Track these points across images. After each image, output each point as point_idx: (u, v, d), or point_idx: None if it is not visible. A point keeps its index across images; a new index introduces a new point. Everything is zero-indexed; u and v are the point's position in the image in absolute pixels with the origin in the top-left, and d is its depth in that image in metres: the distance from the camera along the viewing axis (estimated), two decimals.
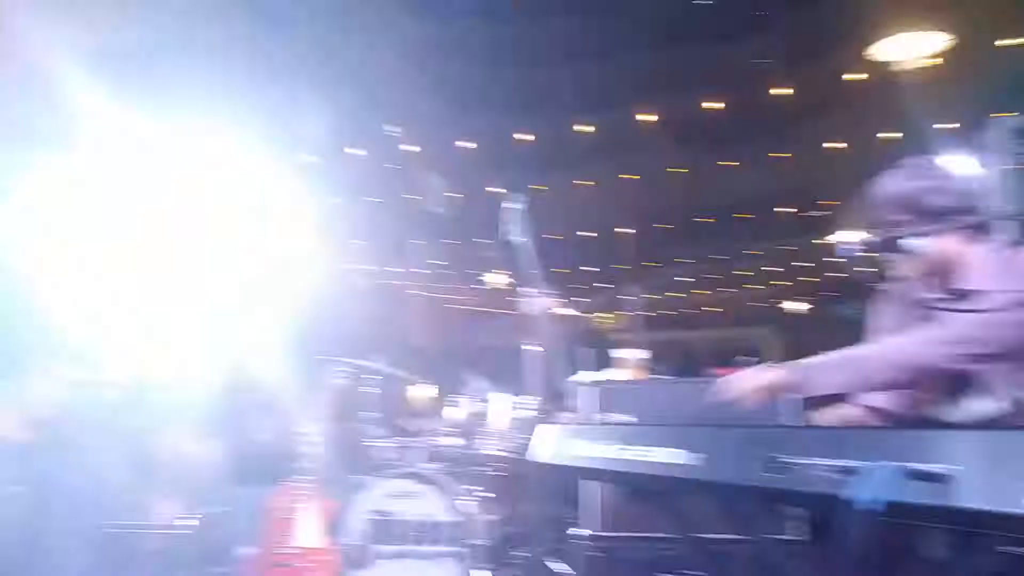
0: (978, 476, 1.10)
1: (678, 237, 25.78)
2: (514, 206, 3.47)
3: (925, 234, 1.89)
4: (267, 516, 3.69)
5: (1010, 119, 5.19)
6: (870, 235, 1.95)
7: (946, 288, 1.98)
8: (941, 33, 6.55)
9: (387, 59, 10.19)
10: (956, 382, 1.84)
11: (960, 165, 2.00)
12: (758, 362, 3.08)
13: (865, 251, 1.90)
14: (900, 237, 1.90)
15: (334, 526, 3.71)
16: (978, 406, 1.66)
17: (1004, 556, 1.17)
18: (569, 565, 3.52)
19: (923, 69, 6.72)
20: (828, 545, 1.26)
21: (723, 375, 3.15)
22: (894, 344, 1.86)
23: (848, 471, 1.22)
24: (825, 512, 1.25)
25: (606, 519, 3.06)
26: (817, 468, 1.29)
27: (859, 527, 1.17)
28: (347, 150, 11.98)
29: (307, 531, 3.58)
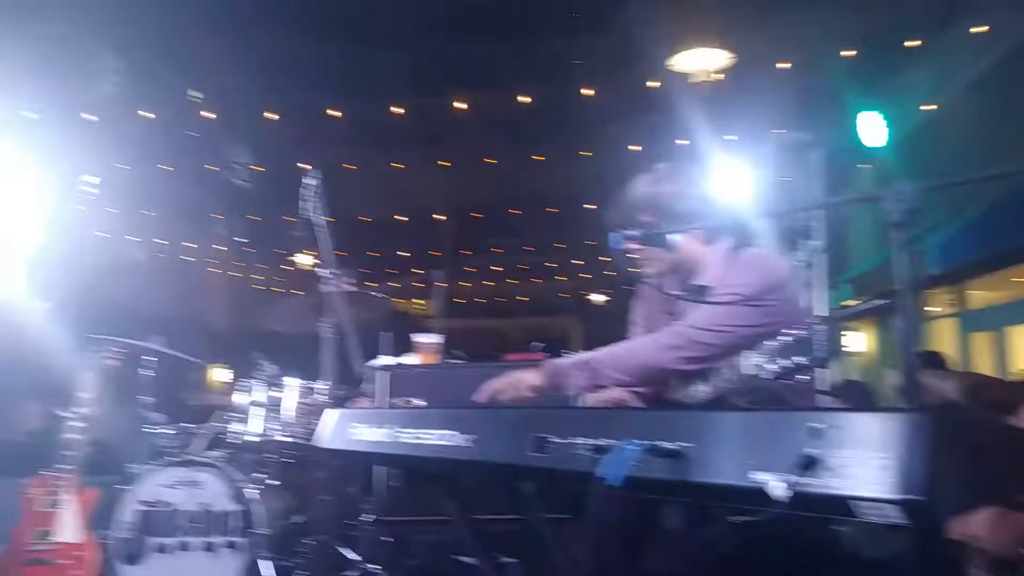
0: (710, 453, 1.19)
1: (491, 227, 26.30)
2: (313, 183, 3.35)
3: (669, 234, 2.05)
4: (21, 510, 3.33)
5: (783, 135, 5.77)
6: (627, 233, 2.06)
7: (685, 284, 2.17)
8: (729, 52, 7.13)
9: (190, 22, 9.50)
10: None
11: (711, 173, 2.19)
12: (544, 348, 3.21)
13: (623, 248, 1.99)
14: (649, 236, 2.03)
15: (101, 519, 3.42)
16: (708, 388, 1.82)
17: (736, 526, 1.29)
18: (358, 551, 3.49)
19: (713, 83, 7.28)
20: (584, 521, 1.32)
21: (515, 360, 3.25)
22: (625, 349, 2.02)
23: (599, 449, 1.29)
24: (583, 489, 1.31)
25: (393, 504, 3.05)
26: (576, 447, 1.35)
27: (608, 502, 1.24)
28: (140, 113, 11.05)
29: (67, 525, 3.27)
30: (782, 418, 1.15)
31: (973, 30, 9.54)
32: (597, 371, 1.95)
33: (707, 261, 2.12)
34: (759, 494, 1.09)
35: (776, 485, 1.07)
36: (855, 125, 5.10)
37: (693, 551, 1.33)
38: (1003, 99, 8.52)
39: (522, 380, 1.99)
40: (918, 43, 11.03)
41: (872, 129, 5.05)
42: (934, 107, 10.38)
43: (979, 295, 9.90)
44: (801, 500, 1.06)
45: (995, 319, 9.38)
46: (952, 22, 10.21)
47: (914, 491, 0.98)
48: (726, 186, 5.04)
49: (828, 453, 1.06)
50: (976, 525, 1.95)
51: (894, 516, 0.99)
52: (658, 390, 2.11)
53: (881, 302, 2.33)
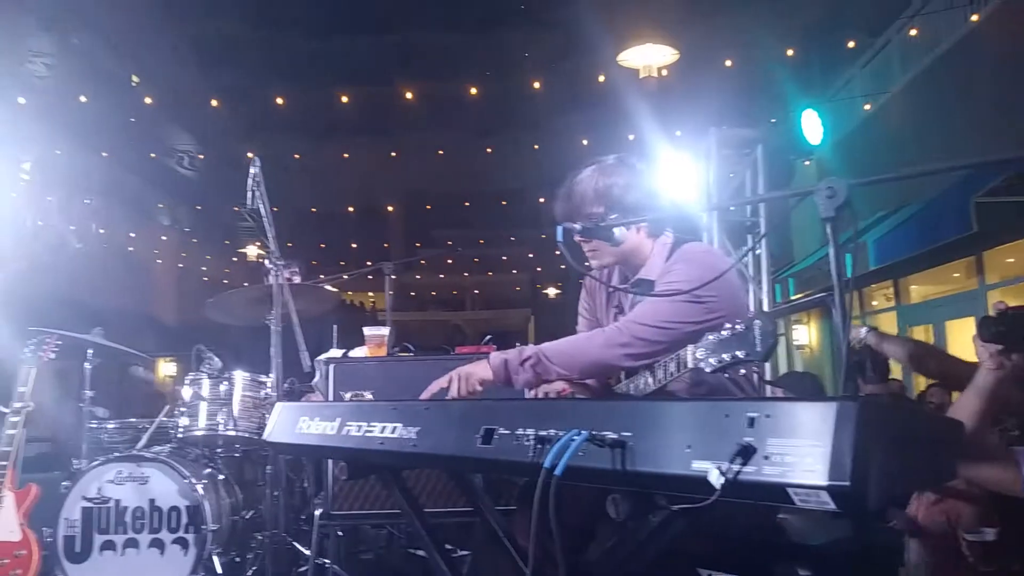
0: (652, 442, 1.23)
1: (442, 218, 26.16)
2: (257, 174, 3.31)
3: (616, 226, 2.07)
4: None
5: (726, 130, 5.89)
6: (571, 227, 2.09)
7: (629, 275, 2.21)
8: (675, 48, 7.23)
9: (130, 5, 9.24)
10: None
11: (658, 167, 2.19)
12: (490, 340, 3.23)
13: (569, 241, 2.01)
14: (596, 229, 2.06)
15: (44, 516, 3.33)
16: (652, 380, 1.87)
17: (679, 513, 1.33)
18: (308, 545, 3.47)
19: (659, 78, 7.39)
20: (530, 510, 1.34)
21: (465, 353, 3.27)
22: (572, 344, 2.06)
23: (544, 440, 1.32)
24: (529, 479, 1.34)
25: (343, 498, 3.05)
26: (521, 439, 1.38)
27: (550, 491, 1.27)
28: (82, 99, 10.70)
29: (6, 523, 3.18)
30: (720, 408, 1.19)
31: (911, 32, 9.85)
32: (545, 366, 1.97)
33: (652, 254, 2.15)
34: (700, 482, 1.13)
35: (715, 473, 1.11)
36: (797, 122, 5.24)
37: (637, 539, 1.37)
38: (938, 99, 8.82)
39: (471, 375, 2.00)
40: (854, 44, 11.35)
41: (812, 126, 5.19)
42: (872, 106, 10.69)
43: (917, 289, 10.25)
44: (739, 487, 1.10)
45: (933, 313, 9.73)
46: (889, 24, 10.52)
47: (842, 478, 1.03)
48: (672, 180, 5.12)
49: (764, 442, 1.11)
50: (913, 510, 2.05)
51: (825, 502, 1.04)
52: (604, 382, 2.15)
53: (821, 295, 2.39)
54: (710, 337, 1.65)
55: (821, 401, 1.10)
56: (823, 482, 1.03)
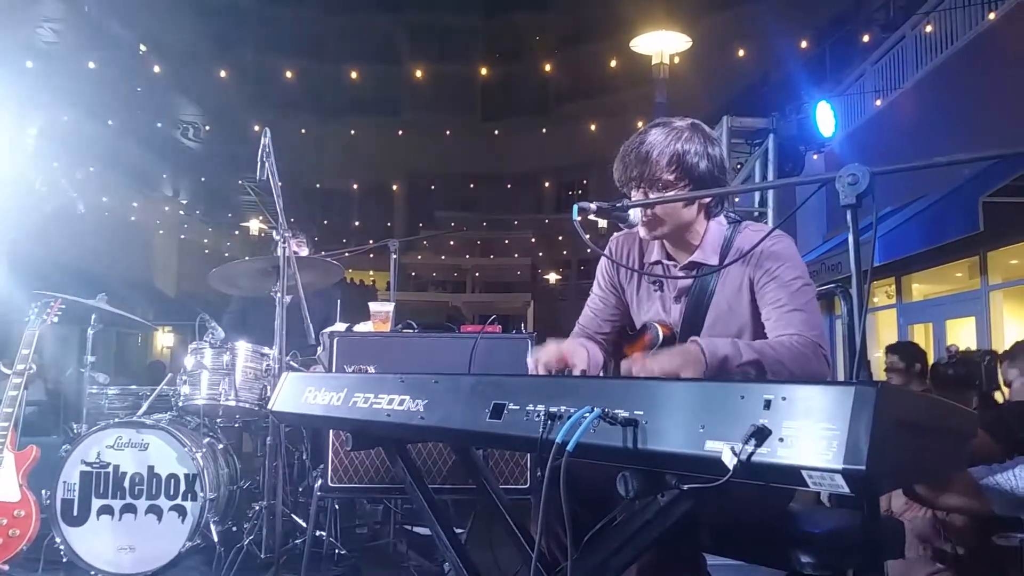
0: (665, 421, 1.23)
1: (446, 199, 26.10)
2: (268, 145, 3.28)
3: (676, 200, 1.90)
4: None
5: (736, 120, 5.85)
6: (631, 191, 1.94)
7: (672, 255, 2.06)
8: (688, 36, 7.17)
9: None
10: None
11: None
12: (494, 320, 3.22)
13: (601, 212, 1.83)
14: (655, 196, 1.91)
15: (43, 479, 3.34)
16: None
17: (689, 493, 1.32)
18: (305, 517, 3.48)
19: (672, 66, 7.34)
20: (540, 487, 1.34)
21: (469, 332, 3.26)
22: (787, 358, 1.78)
23: (554, 416, 1.31)
24: (540, 455, 1.33)
25: (342, 471, 3.05)
26: (532, 414, 1.37)
27: (561, 468, 1.26)
28: (90, 65, 10.62)
29: (5, 483, 3.19)
30: (735, 389, 1.18)
31: (926, 28, 9.78)
32: (759, 362, 1.75)
33: (706, 236, 2.00)
34: (713, 462, 1.13)
35: (729, 454, 1.11)
36: (809, 114, 5.20)
37: (644, 518, 1.37)
38: (951, 96, 8.77)
39: (685, 364, 1.68)
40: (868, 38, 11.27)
41: (825, 119, 5.16)
42: (882, 102, 10.64)
43: (919, 287, 10.24)
44: (753, 469, 1.10)
45: (934, 312, 9.72)
46: (904, 20, 10.45)
47: (857, 462, 1.02)
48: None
49: (779, 424, 1.10)
50: (925, 495, 2.06)
51: (839, 486, 1.04)
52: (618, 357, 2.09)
53: (828, 287, 2.36)
54: None
55: (838, 385, 1.09)
56: (838, 465, 1.03)
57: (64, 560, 3.31)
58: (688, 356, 1.70)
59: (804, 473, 1.07)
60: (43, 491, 3.32)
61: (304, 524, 3.48)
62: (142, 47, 11.43)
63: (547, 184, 26.95)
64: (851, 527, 1.73)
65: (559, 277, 27.36)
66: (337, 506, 3.62)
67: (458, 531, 2.95)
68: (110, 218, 12.95)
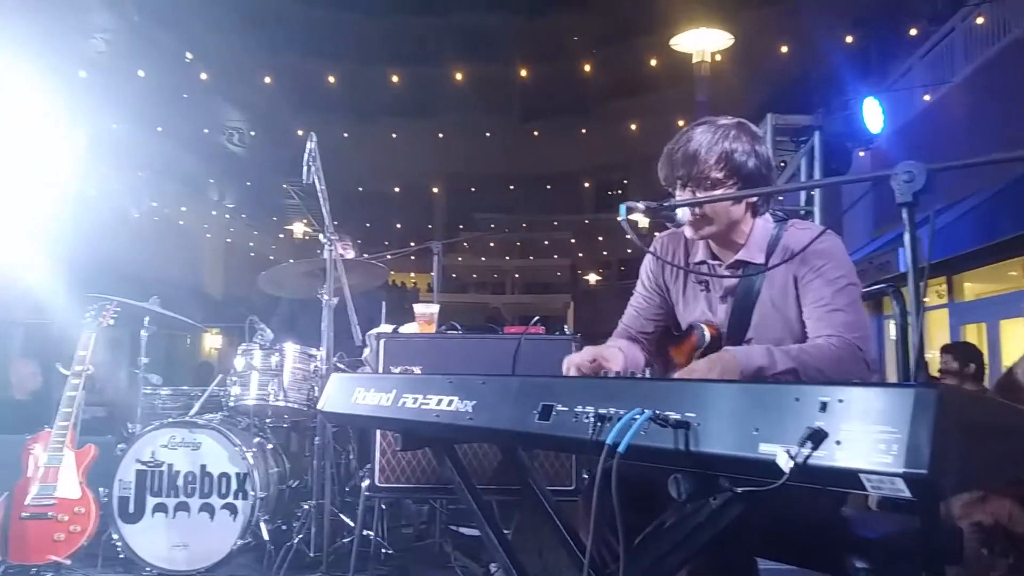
0: (718, 424, 1.22)
1: (486, 202, 26.18)
2: (313, 150, 3.34)
3: (728, 198, 1.89)
4: (20, 466, 3.35)
5: (781, 117, 5.77)
6: (677, 190, 1.93)
7: (718, 254, 2.04)
8: (730, 33, 7.09)
9: None
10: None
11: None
12: (537, 322, 3.22)
13: (649, 211, 1.82)
14: (702, 196, 1.90)
15: (101, 477, 3.44)
16: None
17: (742, 496, 1.31)
18: (352, 516, 3.53)
19: (714, 63, 7.26)
20: (590, 489, 1.34)
21: (514, 333, 3.27)
22: (825, 364, 1.77)
23: (605, 418, 1.31)
24: (589, 457, 1.33)
25: (389, 471, 3.09)
26: (581, 416, 1.37)
27: (612, 469, 1.26)
28: (140, 74, 10.90)
29: (66, 481, 3.29)
30: (790, 392, 1.17)
31: (977, 20, 9.52)
32: (796, 370, 1.73)
33: (752, 235, 1.98)
34: (768, 465, 1.12)
35: (784, 457, 1.10)
36: (856, 111, 5.11)
37: (697, 520, 1.36)
38: (1004, 90, 8.52)
39: (721, 375, 1.69)
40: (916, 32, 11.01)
41: (873, 115, 5.06)
42: (931, 97, 10.38)
43: (972, 287, 9.97)
44: (809, 472, 1.09)
45: (987, 311, 9.46)
46: (953, 12, 10.20)
47: (919, 465, 1.00)
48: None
49: (836, 427, 1.09)
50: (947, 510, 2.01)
51: (900, 490, 1.02)
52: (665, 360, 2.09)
53: (879, 288, 2.32)
54: None
55: (897, 387, 1.07)
56: (899, 469, 1.01)
57: (121, 556, 3.40)
58: (723, 365, 1.70)
59: (862, 476, 1.05)
60: (100, 489, 3.41)
61: (352, 523, 3.53)
62: (189, 55, 11.69)
63: (587, 184, 26.87)
64: (907, 532, 1.70)
65: (599, 278, 27.25)
66: (384, 506, 3.66)
67: (508, 532, 2.98)
68: (160, 223, 13.27)
